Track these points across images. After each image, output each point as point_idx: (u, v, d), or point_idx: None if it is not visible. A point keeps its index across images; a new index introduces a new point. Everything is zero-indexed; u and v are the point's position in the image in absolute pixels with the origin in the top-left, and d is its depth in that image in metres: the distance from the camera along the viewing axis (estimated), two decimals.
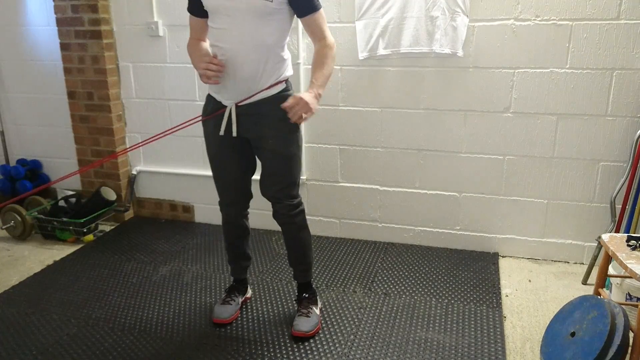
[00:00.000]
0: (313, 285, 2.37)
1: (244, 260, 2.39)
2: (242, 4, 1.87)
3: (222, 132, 2.06)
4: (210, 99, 2.12)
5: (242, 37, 1.93)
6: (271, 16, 1.90)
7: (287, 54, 2.06)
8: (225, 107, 2.05)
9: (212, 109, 2.09)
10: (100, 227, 3.36)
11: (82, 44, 3.23)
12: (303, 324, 2.19)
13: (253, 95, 2.00)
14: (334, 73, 2.88)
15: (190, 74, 3.16)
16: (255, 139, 2.09)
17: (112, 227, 3.39)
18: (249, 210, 2.34)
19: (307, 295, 2.29)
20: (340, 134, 2.99)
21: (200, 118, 2.16)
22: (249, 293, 2.50)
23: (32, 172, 3.69)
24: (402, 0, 2.61)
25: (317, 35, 1.98)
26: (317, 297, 2.34)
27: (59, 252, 3.06)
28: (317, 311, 2.28)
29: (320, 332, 2.23)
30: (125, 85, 3.33)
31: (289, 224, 2.19)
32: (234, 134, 2.05)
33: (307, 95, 1.87)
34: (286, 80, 2.07)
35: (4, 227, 3.24)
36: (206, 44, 2.10)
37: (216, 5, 1.92)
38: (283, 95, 2.04)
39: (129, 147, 3.41)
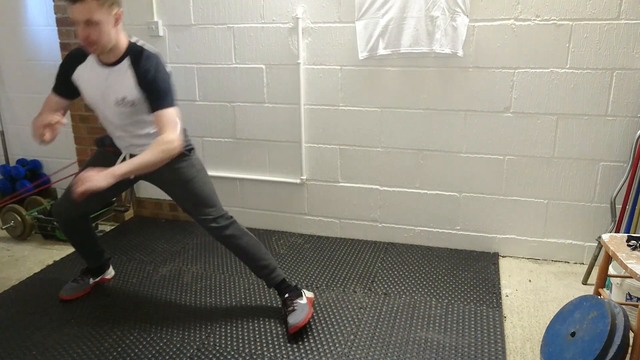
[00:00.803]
0: (290, 282, 2.36)
1: (94, 255, 2.55)
2: (107, 111, 2.11)
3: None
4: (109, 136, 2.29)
5: (118, 125, 2.15)
6: (134, 115, 2.09)
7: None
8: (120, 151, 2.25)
9: (111, 144, 2.27)
10: (100, 227, 3.36)
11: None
12: (293, 319, 2.21)
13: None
14: (334, 73, 2.88)
15: (190, 73, 3.16)
16: (154, 179, 2.26)
17: (112, 227, 3.39)
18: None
19: (287, 295, 2.31)
20: (340, 134, 2.99)
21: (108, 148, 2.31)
22: (110, 275, 2.68)
23: (32, 172, 3.69)
24: (402, 0, 2.61)
25: (160, 130, 2.01)
26: (300, 290, 2.34)
27: (59, 252, 3.06)
28: (304, 300, 2.29)
29: (320, 332, 2.23)
30: None
31: (221, 237, 2.27)
32: (131, 176, 2.11)
33: (95, 173, 1.87)
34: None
35: (4, 227, 3.24)
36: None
37: (94, 102, 2.14)
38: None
39: None
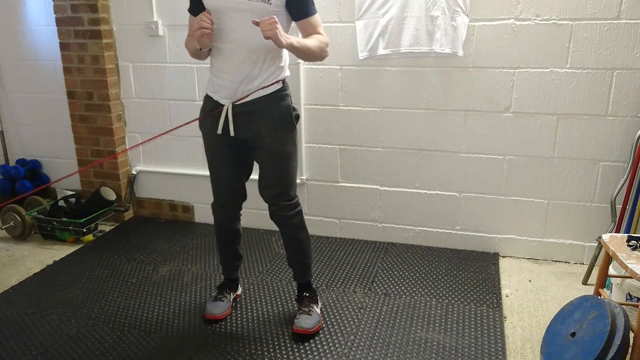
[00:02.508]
0: (313, 285, 2.36)
1: (235, 260, 2.41)
2: (241, 5, 1.90)
3: (219, 131, 2.07)
4: (208, 99, 2.13)
5: (241, 38, 1.96)
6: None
7: (284, 56, 2.09)
8: (222, 106, 2.05)
9: (210, 109, 2.10)
10: (100, 227, 3.36)
11: (81, 44, 3.23)
12: (305, 322, 2.19)
13: (250, 95, 2.01)
14: (334, 73, 2.88)
15: (190, 73, 3.16)
16: (252, 138, 2.09)
17: (112, 227, 3.39)
18: (241, 213, 2.35)
19: (307, 295, 2.29)
20: (340, 134, 2.99)
21: (198, 118, 2.16)
22: (240, 290, 2.50)
23: (31, 172, 3.69)
24: (402, 0, 2.61)
25: (313, 34, 2.03)
26: (318, 297, 2.34)
27: (59, 252, 3.06)
28: (318, 310, 2.28)
29: (320, 332, 2.23)
30: (125, 85, 3.32)
31: (287, 225, 2.19)
32: (232, 133, 2.06)
33: (282, 29, 1.86)
34: (283, 81, 2.09)
35: (3, 227, 3.24)
36: None
37: (217, 5, 1.94)
38: (279, 94, 2.06)
39: (129, 147, 3.41)
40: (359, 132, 2.95)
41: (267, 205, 2.21)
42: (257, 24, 1.82)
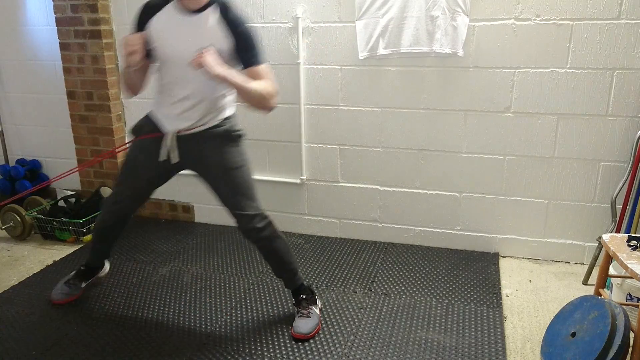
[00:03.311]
0: (309, 286, 2.35)
1: (105, 255, 2.52)
2: (185, 55, 1.92)
3: (162, 158, 2.09)
4: (149, 120, 2.15)
5: (185, 86, 2.01)
6: None
7: (230, 98, 2.12)
8: (162, 133, 2.09)
9: (150, 130, 2.12)
10: None
11: (81, 44, 3.22)
12: (303, 326, 2.19)
13: (192, 130, 2.06)
14: (334, 73, 2.88)
15: None
16: (198, 163, 2.13)
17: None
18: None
19: (304, 297, 2.29)
20: (340, 134, 2.99)
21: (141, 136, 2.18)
22: (104, 272, 2.60)
23: (31, 172, 3.69)
24: (402, 0, 2.60)
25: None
26: (316, 296, 2.34)
27: (59, 252, 3.06)
28: (317, 311, 2.28)
29: (320, 332, 2.22)
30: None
31: (261, 239, 2.15)
32: (174, 160, 2.08)
33: (219, 63, 1.85)
34: (227, 117, 2.13)
35: (3, 227, 3.24)
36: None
37: (170, 55, 1.98)
38: (222, 123, 2.10)
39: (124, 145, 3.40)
40: (359, 132, 2.95)
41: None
42: (195, 63, 1.83)
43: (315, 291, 2.37)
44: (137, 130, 2.18)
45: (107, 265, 2.64)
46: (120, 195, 2.27)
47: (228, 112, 2.13)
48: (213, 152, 2.08)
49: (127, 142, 2.24)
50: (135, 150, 2.19)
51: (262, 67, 1.98)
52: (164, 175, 2.24)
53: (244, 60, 1.96)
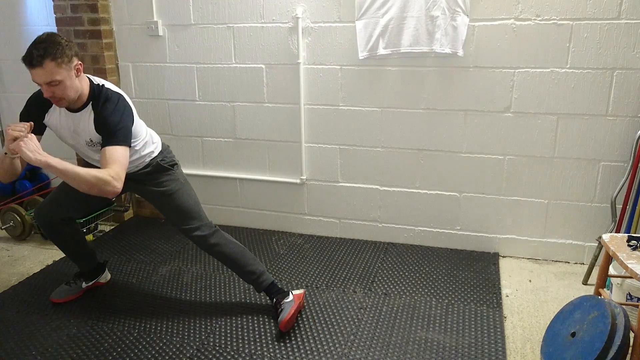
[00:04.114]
0: (276, 285, 2.37)
1: (83, 258, 2.53)
2: (82, 149, 2.17)
3: None
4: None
5: (94, 157, 2.19)
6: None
7: (147, 146, 2.24)
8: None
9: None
10: (100, 227, 3.36)
11: (81, 44, 3.22)
12: (280, 317, 2.22)
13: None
14: (334, 73, 2.88)
15: (190, 73, 3.16)
16: (138, 191, 2.35)
17: (112, 227, 3.39)
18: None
19: (275, 299, 2.32)
20: (340, 134, 2.99)
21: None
22: (105, 279, 2.64)
23: (31, 172, 3.69)
24: (402, 0, 2.60)
25: (103, 166, 1.96)
26: (286, 290, 2.35)
27: (59, 252, 3.05)
28: (290, 297, 2.29)
29: (320, 332, 2.22)
30: (124, 85, 3.32)
31: (206, 246, 2.31)
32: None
33: (37, 150, 1.88)
34: (154, 158, 2.28)
35: (3, 227, 3.24)
36: None
37: (66, 142, 2.19)
38: (151, 162, 2.26)
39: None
40: (359, 132, 2.95)
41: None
42: (10, 150, 1.89)
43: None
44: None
45: (107, 273, 2.67)
46: (48, 209, 2.35)
47: (150, 156, 2.26)
48: (149, 182, 2.27)
49: None
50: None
51: (110, 149, 1.96)
52: (103, 200, 2.42)
53: (102, 142, 2.01)
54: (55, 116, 2.13)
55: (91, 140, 2.09)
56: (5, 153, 1.96)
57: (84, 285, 2.54)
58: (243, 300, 2.50)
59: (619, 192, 2.55)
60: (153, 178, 2.27)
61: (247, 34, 2.97)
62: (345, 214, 3.13)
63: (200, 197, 3.36)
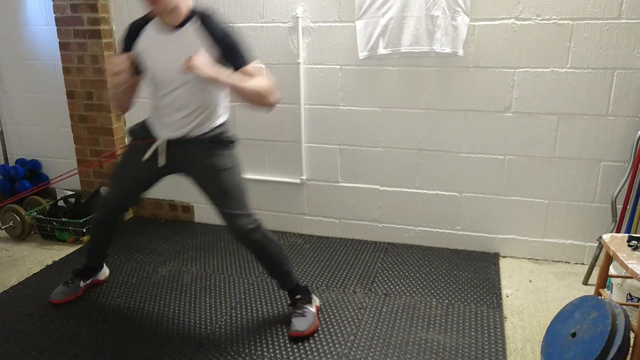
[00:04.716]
0: (305, 286, 2.35)
1: (102, 256, 2.54)
2: (174, 79, 1.98)
3: (145, 158, 2.12)
4: (144, 126, 2.19)
5: (178, 96, 2.04)
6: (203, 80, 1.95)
7: (224, 106, 2.15)
8: (154, 139, 2.13)
9: (144, 137, 2.16)
10: None
11: (81, 44, 3.22)
12: (299, 324, 2.19)
13: (185, 136, 2.09)
14: (334, 73, 2.88)
15: None
16: (188, 166, 2.16)
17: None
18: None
19: (299, 297, 2.29)
20: (340, 134, 2.99)
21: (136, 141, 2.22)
22: (104, 275, 2.64)
23: (31, 172, 3.69)
24: (403, 0, 2.60)
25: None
26: (312, 295, 2.34)
27: (58, 252, 3.06)
28: (313, 309, 2.28)
29: (320, 332, 2.22)
30: None
31: (250, 241, 2.15)
32: (160, 164, 2.12)
33: (210, 65, 1.85)
34: (219, 125, 2.14)
35: (3, 227, 3.23)
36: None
37: (159, 73, 2.02)
38: (214, 130, 2.12)
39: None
40: (359, 132, 2.95)
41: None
42: (185, 67, 1.84)
43: (311, 290, 2.37)
44: (132, 133, 2.24)
45: (105, 269, 2.67)
46: (112, 195, 2.31)
47: (220, 120, 2.14)
48: (202, 155, 2.10)
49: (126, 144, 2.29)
50: (128, 154, 2.27)
51: (251, 66, 1.97)
52: (153, 178, 2.27)
53: (233, 65, 1.96)
54: (148, 40, 2.02)
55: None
56: (113, 88, 1.98)
57: (82, 284, 2.54)
58: (243, 300, 2.49)
59: (619, 192, 2.55)
60: (211, 151, 2.10)
61: (247, 34, 2.97)
62: (345, 214, 3.12)
63: (200, 198, 3.37)
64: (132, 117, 3.37)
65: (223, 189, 2.11)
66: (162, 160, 2.12)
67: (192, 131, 2.09)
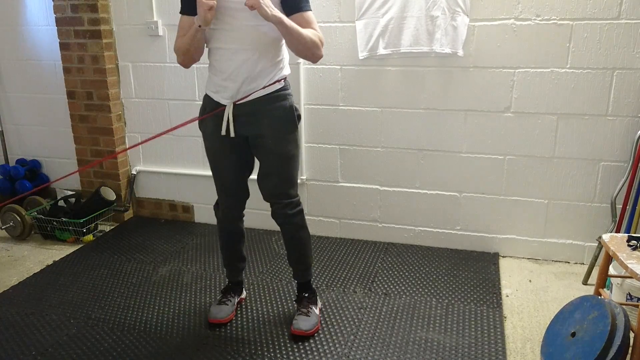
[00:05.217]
0: (313, 286, 2.36)
1: (239, 262, 2.39)
2: (239, 4, 1.88)
3: (223, 132, 2.06)
4: (208, 99, 2.12)
5: (241, 37, 1.96)
6: (266, 25, 1.91)
7: (284, 54, 2.08)
8: (224, 106, 2.05)
9: (210, 109, 2.09)
10: (100, 227, 3.36)
11: (81, 44, 3.22)
12: (302, 323, 2.19)
13: (251, 94, 2.01)
14: (334, 73, 2.88)
15: (190, 73, 3.16)
16: (254, 137, 2.10)
17: (112, 227, 3.39)
18: (244, 212, 2.34)
19: (306, 295, 2.29)
20: (340, 134, 2.99)
21: (198, 117, 2.16)
22: (244, 294, 2.49)
23: (31, 172, 3.69)
24: (402, 0, 2.60)
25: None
26: (317, 297, 2.34)
27: (59, 252, 3.06)
28: (317, 311, 2.28)
29: (320, 332, 2.22)
30: (124, 85, 3.32)
31: (288, 224, 2.18)
32: (232, 134, 2.05)
33: (272, 6, 1.83)
34: (284, 79, 2.09)
35: (3, 227, 3.24)
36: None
37: (221, 6, 1.93)
38: (281, 94, 2.06)
39: (128, 147, 3.41)
40: (359, 132, 2.95)
41: (267, 205, 2.20)
42: (249, 3, 1.79)
43: (317, 292, 2.37)
44: (201, 113, 2.15)
45: (244, 293, 2.51)
46: (224, 196, 2.25)
47: (284, 72, 2.08)
48: (272, 135, 2.06)
49: (192, 120, 2.15)
50: (208, 142, 2.17)
51: (309, 14, 1.97)
52: (242, 153, 2.17)
53: (291, 6, 1.94)
54: None
55: None
56: (200, 26, 1.91)
57: (236, 299, 2.40)
58: (243, 300, 2.49)
59: (619, 192, 2.55)
60: (280, 130, 2.06)
61: None
62: (345, 214, 3.12)
63: (201, 198, 3.39)
64: (133, 117, 3.37)
65: (280, 175, 2.12)
66: (231, 131, 2.05)
67: (254, 83, 2.00)
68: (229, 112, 2.03)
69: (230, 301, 2.35)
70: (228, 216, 2.29)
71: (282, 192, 2.14)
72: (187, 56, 2.05)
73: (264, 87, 2.01)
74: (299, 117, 2.13)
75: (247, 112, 2.04)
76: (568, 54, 2.55)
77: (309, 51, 1.96)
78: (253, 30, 1.93)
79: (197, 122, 2.17)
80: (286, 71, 2.10)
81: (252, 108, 2.03)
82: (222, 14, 1.94)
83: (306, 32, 1.92)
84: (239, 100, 2.02)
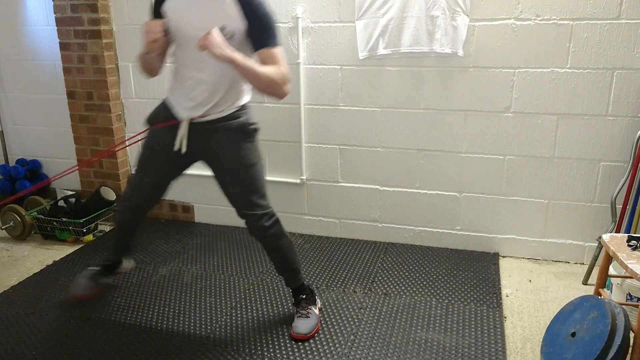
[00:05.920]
0: (309, 286, 2.35)
1: (129, 249, 2.54)
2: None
3: (176, 147, 2.07)
4: (165, 106, 2.12)
5: (203, 67, 1.97)
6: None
7: (247, 86, 2.08)
8: (177, 120, 2.06)
9: (164, 119, 2.10)
10: (100, 227, 3.36)
11: (81, 44, 3.23)
12: (302, 326, 2.19)
13: (208, 116, 2.03)
14: (334, 73, 2.88)
15: None
16: (211, 156, 2.10)
17: (112, 227, 3.39)
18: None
19: (304, 297, 2.29)
20: (340, 134, 2.99)
21: (152, 127, 2.16)
22: (130, 264, 2.66)
23: (31, 172, 3.69)
24: (402, 0, 2.60)
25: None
26: (316, 297, 2.34)
27: (59, 252, 3.06)
28: (317, 311, 2.28)
29: (320, 332, 2.22)
30: (124, 85, 3.32)
31: (267, 237, 2.14)
32: (183, 150, 2.07)
33: (225, 45, 1.81)
34: (243, 106, 2.10)
35: (3, 227, 3.24)
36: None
37: (185, 35, 1.94)
38: (237, 113, 2.06)
39: (124, 143, 3.41)
40: (359, 132, 2.95)
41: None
42: (200, 44, 1.80)
43: (315, 291, 2.37)
44: (152, 119, 2.16)
45: (130, 261, 2.66)
46: (136, 188, 2.27)
47: (244, 100, 2.08)
48: (228, 147, 2.05)
49: (141, 131, 2.21)
50: (149, 141, 2.17)
51: (275, 51, 1.90)
52: (178, 167, 2.22)
53: (257, 42, 1.90)
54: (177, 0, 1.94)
55: (223, 28, 1.85)
56: (146, 53, 1.94)
57: (104, 280, 2.55)
58: (243, 300, 2.50)
59: (619, 192, 2.55)
60: (235, 141, 2.05)
61: None
62: (345, 214, 3.13)
63: (200, 198, 3.38)
64: (133, 117, 3.37)
65: (245, 186, 2.08)
66: (184, 146, 2.05)
67: (214, 109, 2.01)
68: (183, 130, 2.05)
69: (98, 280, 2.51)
70: (130, 216, 2.35)
71: (252, 203, 2.08)
72: (146, 70, 2.09)
73: (221, 111, 2.03)
74: (256, 130, 2.11)
75: (202, 129, 2.05)
76: (568, 54, 2.55)
77: (268, 89, 1.90)
78: (215, 62, 1.90)
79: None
80: (246, 99, 2.11)
81: (208, 126, 2.05)
82: (187, 44, 1.95)
83: (265, 69, 1.87)
84: (195, 119, 2.04)
